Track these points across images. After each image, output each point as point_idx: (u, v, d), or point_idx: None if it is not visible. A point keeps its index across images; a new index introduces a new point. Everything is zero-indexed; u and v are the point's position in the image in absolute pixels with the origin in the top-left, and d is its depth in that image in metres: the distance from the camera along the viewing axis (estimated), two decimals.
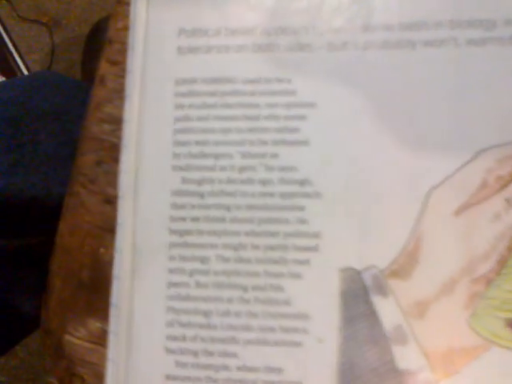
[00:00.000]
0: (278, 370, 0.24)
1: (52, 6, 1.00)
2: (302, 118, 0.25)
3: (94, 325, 0.26)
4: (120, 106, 0.27)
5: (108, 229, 0.26)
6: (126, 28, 0.27)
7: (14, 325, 0.44)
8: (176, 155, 0.25)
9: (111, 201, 0.26)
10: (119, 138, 0.27)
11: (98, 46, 0.91)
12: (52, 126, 0.47)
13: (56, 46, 0.99)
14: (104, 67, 0.27)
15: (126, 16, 0.28)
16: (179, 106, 0.26)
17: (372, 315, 0.24)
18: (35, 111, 0.47)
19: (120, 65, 0.27)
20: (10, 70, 0.96)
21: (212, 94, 0.25)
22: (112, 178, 0.26)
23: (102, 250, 0.26)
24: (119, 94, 0.27)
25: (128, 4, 0.27)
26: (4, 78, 0.92)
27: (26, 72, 0.96)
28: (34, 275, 0.45)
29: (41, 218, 0.44)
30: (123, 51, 0.27)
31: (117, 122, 0.27)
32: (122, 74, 0.27)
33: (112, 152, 0.27)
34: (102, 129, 0.27)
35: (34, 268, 0.44)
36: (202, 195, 0.25)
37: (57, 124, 0.48)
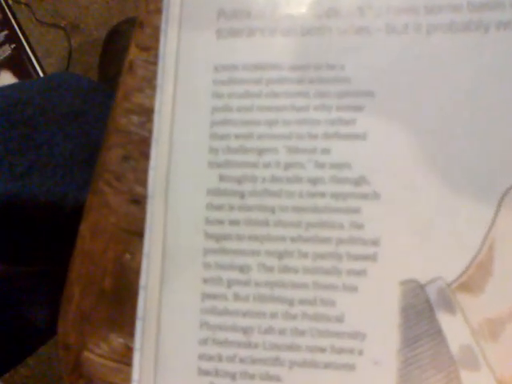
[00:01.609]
0: None
1: (70, 10, 0.99)
2: (358, 108, 0.22)
3: (117, 340, 0.23)
4: (151, 96, 0.24)
5: (135, 232, 0.23)
6: (158, 10, 0.25)
7: (26, 336, 0.42)
8: (213, 150, 0.23)
9: (139, 201, 0.24)
10: (149, 130, 0.24)
11: (116, 49, 0.89)
12: (69, 127, 0.45)
13: (73, 50, 0.98)
14: (134, 53, 0.25)
15: None
16: (218, 95, 0.23)
17: (437, 335, 0.20)
18: (52, 112, 0.45)
19: (151, 50, 0.25)
20: (27, 73, 0.95)
21: (255, 81, 0.23)
22: (141, 175, 0.24)
23: (127, 255, 0.23)
24: (150, 82, 0.24)
25: None
26: None
27: (42, 75, 0.95)
28: (46, 285, 0.42)
29: (56, 225, 0.42)
30: (155, 36, 0.25)
31: (147, 113, 0.24)
32: (153, 61, 0.24)
33: (141, 146, 0.24)
34: (131, 120, 0.24)
35: (47, 278, 0.42)
36: (242, 195, 0.22)
37: (74, 126, 0.46)
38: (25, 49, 0.96)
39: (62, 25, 0.98)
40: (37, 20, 0.99)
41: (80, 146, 0.45)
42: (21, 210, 0.38)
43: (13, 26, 0.95)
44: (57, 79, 0.49)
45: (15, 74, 0.93)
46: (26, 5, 0.99)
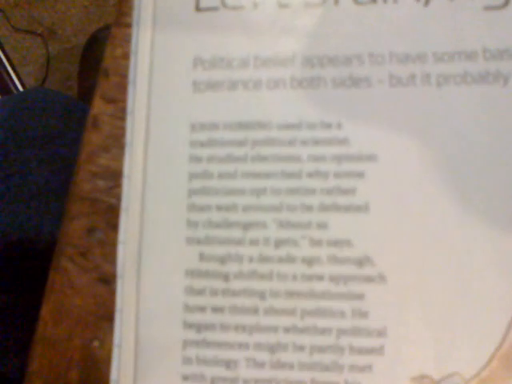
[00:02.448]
0: None
1: (47, 16, 0.95)
2: (359, 175, 0.19)
3: None
4: (119, 157, 0.21)
5: (104, 316, 0.20)
6: (125, 56, 0.21)
7: None
8: (192, 223, 0.19)
9: (108, 280, 0.20)
10: (118, 197, 0.21)
11: (96, 57, 0.86)
12: (44, 151, 0.42)
13: (51, 58, 0.94)
14: (98, 105, 0.21)
15: (126, 41, 0.22)
16: (196, 159, 0.20)
17: None
18: (25, 135, 0.42)
19: (118, 103, 0.21)
20: (2, 82, 0.91)
21: (239, 143, 0.19)
22: (109, 250, 0.21)
23: (95, 343, 0.20)
24: (118, 140, 0.21)
25: (129, 26, 0.21)
26: None
27: (19, 85, 0.91)
28: (16, 331, 0.39)
29: (29, 264, 0.39)
30: (122, 86, 0.21)
31: (114, 177, 0.21)
32: (120, 116, 0.21)
33: (109, 216, 0.21)
34: (96, 186, 0.21)
35: (20, 324, 0.39)
36: (226, 277, 0.19)
37: (49, 149, 0.43)
38: (0, 57, 0.92)
39: (39, 31, 0.94)
40: (12, 27, 0.94)
41: (56, 172, 0.42)
42: None
43: None
44: (30, 98, 0.46)
45: None
46: (0, 10, 0.95)
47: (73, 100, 0.57)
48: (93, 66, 0.86)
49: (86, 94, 0.82)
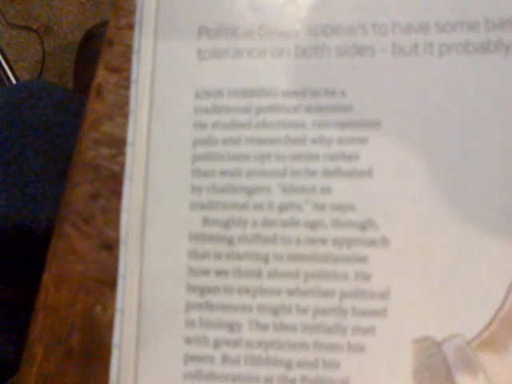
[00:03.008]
0: None
1: (43, 12, 0.95)
2: (363, 141, 0.19)
3: None
4: (122, 125, 0.21)
5: (106, 281, 0.20)
6: (130, 26, 0.22)
7: None
8: (196, 189, 0.20)
9: (111, 246, 0.20)
10: (121, 165, 0.21)
11: (91, 54, 0.86)
12: (40, 140, 0.42)
13: (47, 54, 0.94)
14: (102, 75, 0.22)
15: (131, 11, 0.22)
16: (200, 125, 0.20)
17: None
18: (22, 124, 0.42)
19: (122, 72, 0.21)
20: None
21: (244, 110, 0.20)
22: (112, 216, 0.21)
23: (98, 308, 0.20)
24: (121, 109, 0.21)
25: None
26: None
27: (14, 80, 0.91)
28: (12, 312, 0.39)
29: (26, 249, 0.39)
30: (127, 55, 0.21)
31: (118, 144, 0.21)
32: (125, 84, 0.21)
33: (112, 183, 0.21)
34: (100, 153, 0.21)
35: (16, 311, 0.39)
36: (230, 241, 0.19)
37: (46, 139, 0.43)
38: None
39: (35, 27, 0.94)
40: (7, 22, 0.94)
41: (52, 161, 0.42)
42: None
43: None
44: (27, 88, 0.46)
45: None
46: None
47: (69, 92, 0.57)
48: (89, 62, 0.86)
49: (82, 91, 0.81)
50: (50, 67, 0.94)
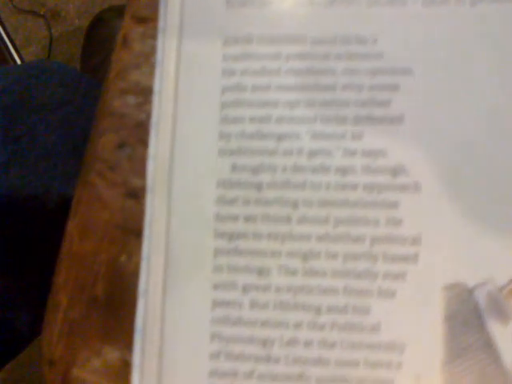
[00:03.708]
0: None
1: None
2: (394, 88, 0.19)
3: (112, 355, 0.20)
4: (149, 74, 0.21)
5: (132, 230, 0.20)
6: None
7: (8, 340, 0.39)
8: (224, 135, 0.19)
9: (137, 194, 0.20)
10: (148, 113, 0.21)
11: (99, 39, 0.85)
12: (51, 117, 0.42)
13: (54, 39, 0.94)
14: (128, 25, 0.21)
15: None
16: (229, 73, 0.20)
17: (487, 347, 0.18)
18: (32, 101, 0.42)
19: (149, 22, 0.21)
20: (4, 63, 0.90)
21: (273, 57, 0.20)
22: (138, 164, 0.20)
23: (123, 257, 0.20)
24: (148, 58, 0.21)
25: None
26: None
27: None
28: (31, 287, 0.39)
29: (39, 221, 0.39)
30: (153, 5, 0.21)
31: (144, 93, 0.21)
32: (151, 34, 0.21)
33: (138, 132, 0.21)
34: (126, 102, 0.21)
35: (31, 279, 0.39)
36: (258, 187, 0.19)
37: (56, 116, 0.43)
38: (1, 37, 0.92)
39: (42, 12, 0.94)
40: (14, 7, 0.94)
41: (63, 137, 0.42)
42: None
43: None
44: (38, 67, 0.46)
45: None
46: None
47: (79, 73, 0.57)
48: (96, 48, 0.86)
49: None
50: (58, 52, 0.94)
